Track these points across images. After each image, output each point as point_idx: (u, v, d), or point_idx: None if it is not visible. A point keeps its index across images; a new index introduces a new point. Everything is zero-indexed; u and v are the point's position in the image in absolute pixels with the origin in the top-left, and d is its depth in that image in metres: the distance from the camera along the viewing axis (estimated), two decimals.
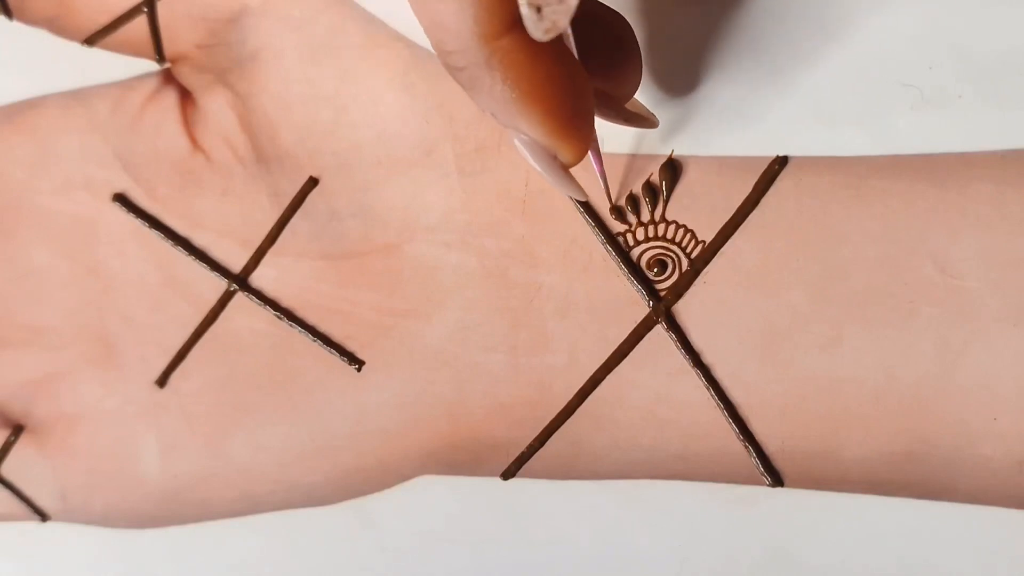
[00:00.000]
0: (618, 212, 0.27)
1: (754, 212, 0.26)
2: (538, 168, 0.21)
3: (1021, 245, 0.24)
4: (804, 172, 0.25)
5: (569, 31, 0.20)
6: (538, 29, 0.17)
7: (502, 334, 0.28)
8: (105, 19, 0.31)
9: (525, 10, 0.17)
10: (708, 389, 0.27)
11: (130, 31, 0.31)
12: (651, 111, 0.26)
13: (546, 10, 0.17)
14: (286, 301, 0.30)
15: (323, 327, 0.30)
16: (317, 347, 0.30)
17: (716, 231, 0.26)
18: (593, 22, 0.22)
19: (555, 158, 0.21)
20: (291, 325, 0.30)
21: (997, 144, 0.24)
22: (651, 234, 0.27)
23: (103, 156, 0.31)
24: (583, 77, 0.20)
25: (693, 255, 0.27)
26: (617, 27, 0.23)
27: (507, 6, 0.18)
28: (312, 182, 0.29)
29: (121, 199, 0.31)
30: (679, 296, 0.27)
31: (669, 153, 0.26)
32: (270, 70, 0.29)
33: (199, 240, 0.31)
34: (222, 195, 0.30)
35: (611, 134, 0.26)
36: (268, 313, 0.30)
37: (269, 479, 0.31)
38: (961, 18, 0.24)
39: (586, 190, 0.24)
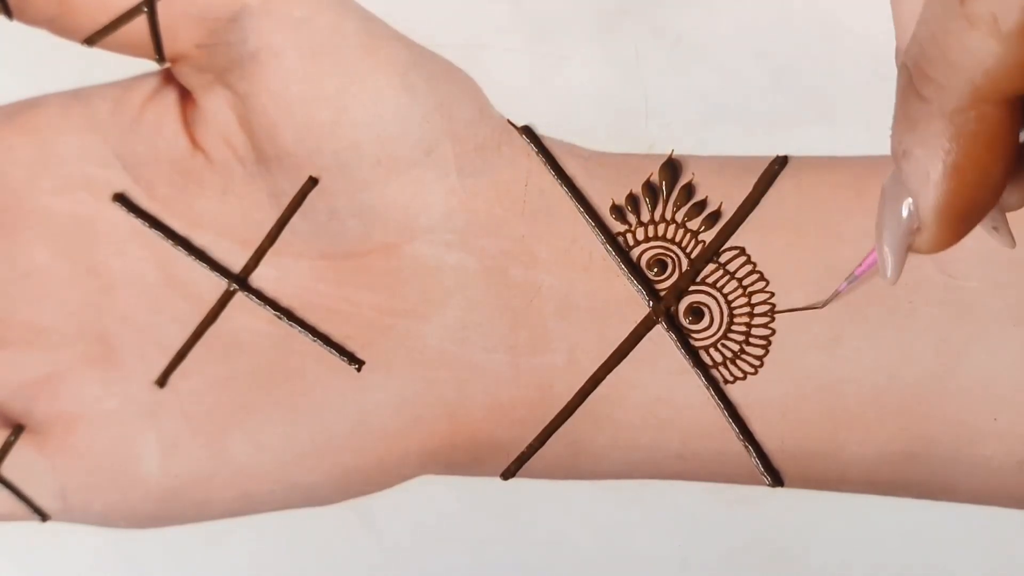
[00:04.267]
0: (618, 212, 0.27)
1: (754, 212, 0.26)
2: (885, 224, 0.19)
3: (1021, 245, 0.24)
4: (804, 172, 0.25)
5: None
6: None
7: (502, 334, 0.28)
8: (105, 19, 0.31)
9: None
10: (708, 389, 0.27)
11: (130, 31, 0.31)
12: (1011, 234, 0.23)
13: None
14: (286, 301, 0.30)
15: (323, 327, 0.30)
16: (317, 347, 0.30)
17: (716, 231, 0.26)
18: None
19: (912, 233, 0.18)
20: (291, 325, 0.30)
21: None
22: (651, 234, 0.27)
23: (103, 156, 0.31)
24: (1005, 182, 0.18)
25: (693, 255, 0.27)
26: None
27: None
28: (312, 182, 0.29)
29: (121, 199, 0.31)
30: (679, 296, 0.27)
31: (669, 153, 0.26)
32: (270, 70, 0.29)
33: (199, 240, 0.31)
34: (222, 195, 0.30)
35: (611, 134, 0.26)
36: (268, 313, 0.30)
37: (269, 479, 0.31)
38: None
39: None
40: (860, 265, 0.23)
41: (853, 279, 0.23)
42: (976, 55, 0.15)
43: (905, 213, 0.18)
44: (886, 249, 0.19)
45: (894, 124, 0.18)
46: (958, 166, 0.17)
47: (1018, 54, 0.15)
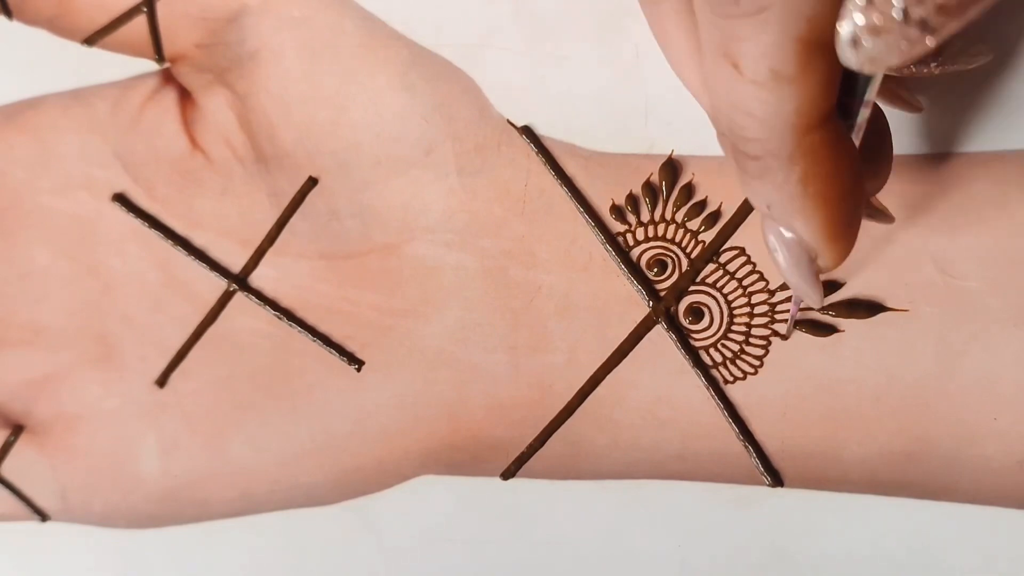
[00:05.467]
0: (618, 212, 0.27)
1: (754, 212, 0.26)
2: (786, 266, 0.20)
3: (1021, 245, 0.24)
4: None
5: (863, 119, 0.18)
6: (872, 58, 0.14)
7: (502, 334, 0.28)
8: (105, 19, 0.31)
9: (856, 25, 0.14)
10: (708, 389, 0.27)
11: (130, 31, 0.31)
12: (887, 212, 0.24)
13: (891, 37, 0.14)
14: (286, 301, 0.30)
15: (323, 327, 0.30)
16: (317, 347, 0.30)
17: (716, 231, 0.26)
18: None
19: (813, 261, 0.19)
20: (291, 325, 0.30)
21: (997, 144, 0.24)
22: (651, 234, 0.27)
23: (103, 156, 0.31)
24: (861, 179, 0.19)
25: (693, 255, 0.27)
26: (879, 117, 0.21)
27: (829, 96, 0.16)
28: (312, 182, 0.29)
29: (121, 199, 0.31)
30: (679, 296, 0.27)
31: (669, 153, 0.26)
32: (270, 70, 0.29)
33: (199, 240, 0.31)
34: (221, 195, 0.30)
35: (611, 134, 0.26)
36: (268, 313, 0.30)
37: (269, 479, 0.31)
38: None
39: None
40: (792, 306, 0.25)
41: (795, 316, 0.25)
42: (779, 105, 0.16)
43: (798, 251, 0.19)
44: (803, 286, 0.20)
45: (743, 186, 0.19)
46: (818, 192, 0.17)
47: (812, 87, 0.16)
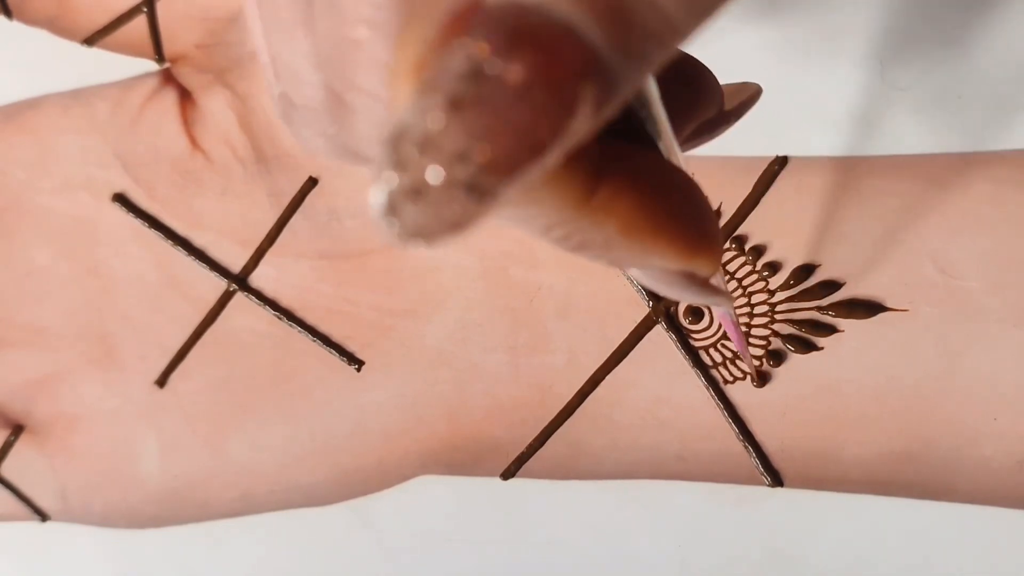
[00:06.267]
0: None
1: (754, 212, 0.26)
2: (676, 296, 0.18)
3: (1021, 245, 0.24)
4: (804, 172, 0.25)
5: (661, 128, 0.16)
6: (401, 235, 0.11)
7: (502, 334, 0.28)
8: (105, 19, 0.31)
9: (378, 206, 0.11)
10: (708, 389, 0.27)
11: (130, 31, 0.31)
12: (742, 83, 0.22)
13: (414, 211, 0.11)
14: (286, 301, 0.30)
15: (323, 327, 0.30)
16: (317, 347, 0.30)
17: None
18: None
19: (693, 276, 0.17)
20: (291, 325, 0.30)
21: (997, 144, 0.24)
22: None
23: (103, 156, 0.31)
24: (685, 175, 0.17)
25: None
26: (683, 64, 0.19)
27: (591, 155, 0.14)
28: (311, 182, 0.29)
29: (121, 199, 0.31)
30: None
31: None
32: None
33: (199, 240, 0.31)
34: (222, 195, 0.30)
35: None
36: (268, 313, 0.30)
37: (269, 479, 0.31)
38: (962, 18, 0.24)
39: None
40: (731, 330, 0.24)
41: (741, 344, 0.25)
42: (540, 197, 0.14)
43: (676, 278, 0.17)
44: (703, 301, 0.18)
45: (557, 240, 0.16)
46: (646, 229, 0.15)
47: (554, 186, 0.14)
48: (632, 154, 0.15)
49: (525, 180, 0.11)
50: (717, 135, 0.21)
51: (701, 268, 0.17)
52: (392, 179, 0.11)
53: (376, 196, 0.11)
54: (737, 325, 0.23)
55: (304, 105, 0.15)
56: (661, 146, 0.17)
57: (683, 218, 0.16)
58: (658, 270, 0.17)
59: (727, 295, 0.19)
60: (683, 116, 0.19)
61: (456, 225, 0.11)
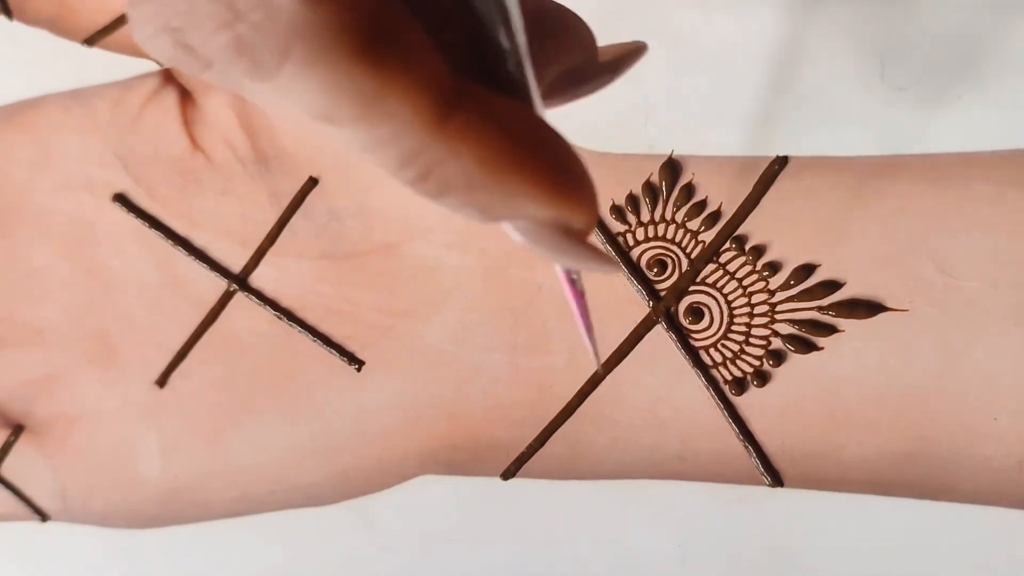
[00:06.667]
0: (618, 212, 0.27)
1: (754, 212, 0.26)
2: (554, 256, 0.17)
3: (1021, 245, 0.24)
4: (804, 172, 0.25)
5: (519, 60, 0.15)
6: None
7: (502, 334, 0.28)
8: (105, 19, 0.31)
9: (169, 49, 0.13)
10: (708, 389, 0.27)
11: (130, 31, 0.31)
12: (630, 41, 0.21)
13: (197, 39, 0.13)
14: (286, 301, 0.30)
15: (323, 327, 0.30)
16: (317, 347, 0.30)
17: (716, 231, 0.26)
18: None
19: (569, 231, 0.16)
20: (291, 325, 0.30)
21: (997, 144, 0.24)
22: (651, 234, 0.27)
23: (103, 156, 0.31)
24: (547, 123, 0.16)
25: (693, 255, 0.27)
26: (546, 11, 0.19)
27: (443, 76, 0.14)
28: (312, 182, 0.29)
29: (121, 199, 0.31)
30: (679, 296, 0.27)
31: (669, 153, 0.26)
32: None
33: (199, 240, 0.31)
34: (222, 195, 0.30)
35: (612, 134, 0.26)
36: (268, 313, 0.30)
37: (269, 479, 0.31)
38: (962, 18, 0.24)
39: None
40: (575, 308, 0.20)
41: (588, 330, 0.21)
42: (395, 114, 0.14)
43: (549, 232, 0.16)
44: (582, 263, 0.17)
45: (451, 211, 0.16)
46: (509, 167, 0.15)
47: (401, 98, 0.14)
48: (489, 93, 0.15)
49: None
50: (595, 89, 0.20)
51: (574, 218, 0.16)
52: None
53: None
54: (585, 309, 0.20)
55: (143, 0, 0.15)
56: (526, 97, 0.16)
57: (548, 159, 0.15)
58: (532, 223, 0.16)
59: (612, 260, 0.17)
60: (543, 61, 0.18)
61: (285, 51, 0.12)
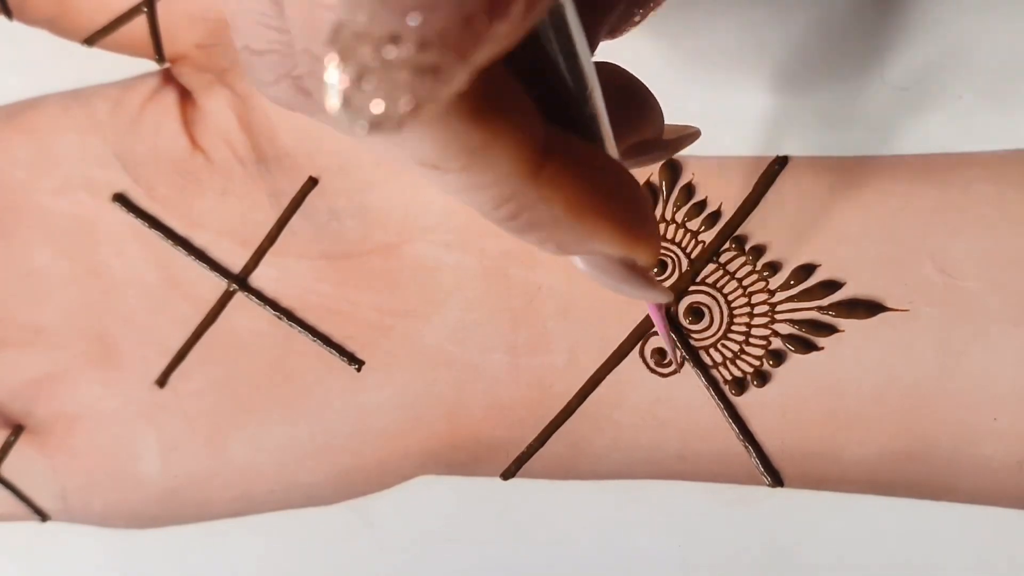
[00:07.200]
0: None
1: (754, 212, 0.26)
2: (616, 285, 0.18)
3: (1021, 245, 0.24)
4: (804, 172, 0.25)
5: (597, 110, 0.17)
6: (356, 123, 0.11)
7: (502, 334, 0.28)
8: (105, 19, 0.31)
9: (334, 99, 0.11)
10: (708, 389, 0.27)
11: (130, 31, 0.31)
12: (684, 125, 0.23)
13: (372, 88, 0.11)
14: (286, 301, 0.30)
15: (323, 327, 0.30)
16: (317, 347, 0.30)
17: (716, 231, 0.26)
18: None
19: (634, 266, 0.18)
20: (291, 325, 0.30)
21: (997, 144, 0.24)
22: None
23: (103, 156, 0.31)
24: (625, 169, 0.18)
25: (693, 255, 0.27)
26: (616, 77, 0.21)
27: (538, 130, 0.15)
28: (312, 182, 0.29)
29: (121, 199, 0.31)
30: (679, 296, 0.27)
31: None
32: None
33: (199, 240, 0.31)
34: (222, 195, 0.30)
35: None
36: (268, 313, 0.30)
37: (269, 479, 0.31)
38: (962, 19, 0.24)
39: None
40: (659, 323, 0.24)
41: (668, 337, 0.25)
42: (493, 163, 0.14)
43: (615, 267, 0.18)
44: (642, 294, 0.19)
45: (526, 241, 0.17)
46: (589, 210, 0.16)
47: (503, 149, 0.14)
48: (576, 142, 0.16)
49: (470, 60, 0.11)
50: (651, 160, 0.22)
51: (641, 256, 0.17)
52: (335, 75, 0.11)
53: (330, 97, 0.11)
54: (664, 319, 0.24)
55: (266, 50, 0.15)
56: (604, 146, 0.18)
57: (624, 204, 0.17)
58: (600, 257, 0.18)
59: (666, 290, 0.20)
60: (624, 128, 0.20)
61: (416, 107, 0.11)
